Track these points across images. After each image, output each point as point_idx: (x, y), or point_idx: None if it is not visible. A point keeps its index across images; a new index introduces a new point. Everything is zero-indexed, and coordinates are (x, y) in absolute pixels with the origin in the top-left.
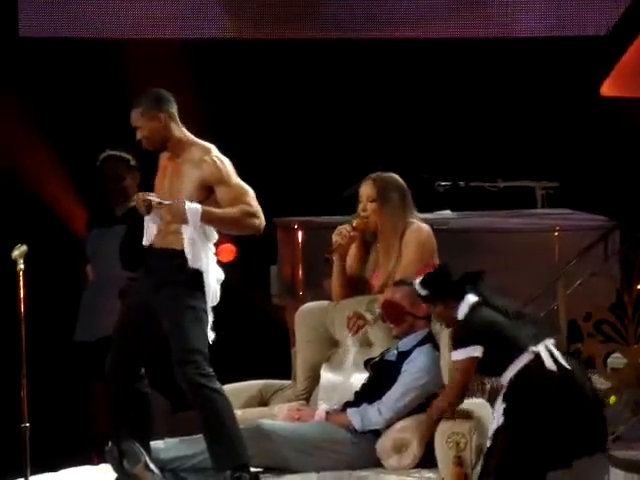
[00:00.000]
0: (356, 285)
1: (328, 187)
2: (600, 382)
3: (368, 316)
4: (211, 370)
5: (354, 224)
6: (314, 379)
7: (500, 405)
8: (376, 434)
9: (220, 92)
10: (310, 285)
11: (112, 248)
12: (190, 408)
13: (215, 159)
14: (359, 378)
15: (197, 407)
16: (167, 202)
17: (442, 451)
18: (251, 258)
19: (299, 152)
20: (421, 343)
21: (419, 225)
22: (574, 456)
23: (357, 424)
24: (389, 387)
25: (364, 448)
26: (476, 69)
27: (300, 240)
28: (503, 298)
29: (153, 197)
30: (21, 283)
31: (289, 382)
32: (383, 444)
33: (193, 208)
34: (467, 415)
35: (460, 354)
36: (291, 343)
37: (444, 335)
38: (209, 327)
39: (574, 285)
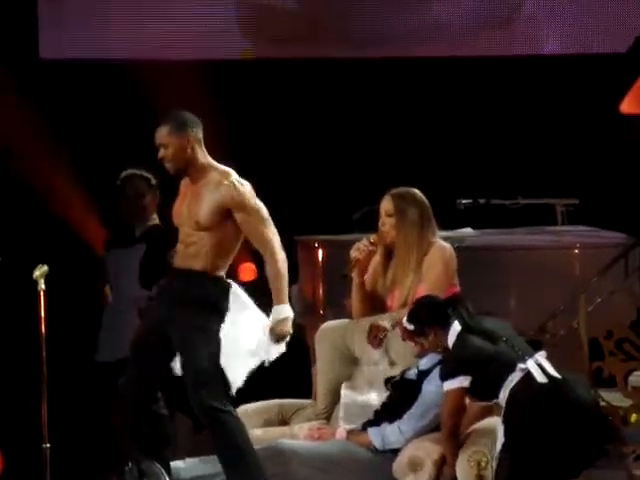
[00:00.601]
0: (376, 302)
1: (348, 206)
2: (621, 400)
3: (387, 324)
4: (223, 394)
5: (371, 239)
6: (335, 398)
7: (500, 427)
8: (396, 453)
9: (240, 112)
10: (331, 304)
11: (132, 268)
12: None
13: (234, 182)
14: (380, 397)
15: (209, 430)
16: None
17: (463, 470)
18: None
19: (319, 171)
20: (440, 363)
21: (442, 244)
22: (577, 466)
23: (377, 443)
24: (410, 406)
25: (384, 467)
26: (496, 87)
27: (321, 259)
28: (484, 317)
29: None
30: (42, 303)
31: (309, 401)
32: (399, 463)
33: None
34: (488, 434)
35: (452, 384)
36: (311, 362)
37: None
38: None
39: (595, 303)
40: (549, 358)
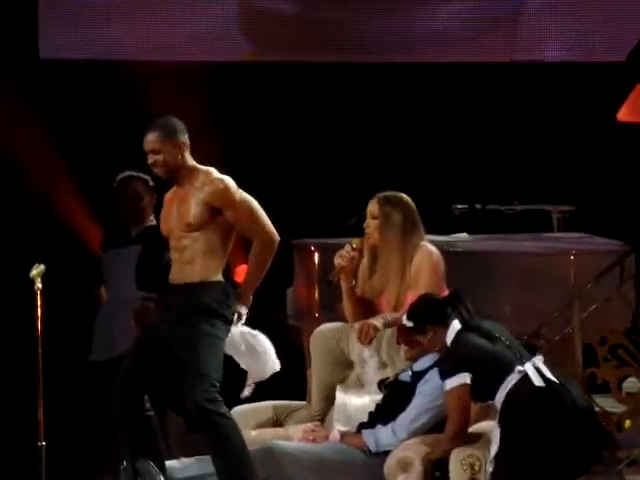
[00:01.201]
0: (368, 306)
1: (344, 209)
2: (615, 406)
3: (378, 322)
4: (218, 396)
5: (353, 244)
6: (329, 400)
7: (496, 429)
8: None
9: (236, 115)
10: (326, 307)
11: (127, 268)
12: None
13: (216, 180)
14: (374, 399)
15: (204, 432)
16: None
17: (456, 473)
18: (268, 279)
19: (315, 174)
20: (436, 364)
21: (429, 248)
22: (572, 471)
23: (371, 445)
24: (404, 408)
25: (378, 469)
26: (493, 93)
27: (316, 262)
28: (483, 319)
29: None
30: (39, 302)
31: (304, 403)
32: (389, 464)
33: None
34: (481, 438)
35: (454, 382)
36: (306, 364)
37: None
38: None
39: (589, 309)
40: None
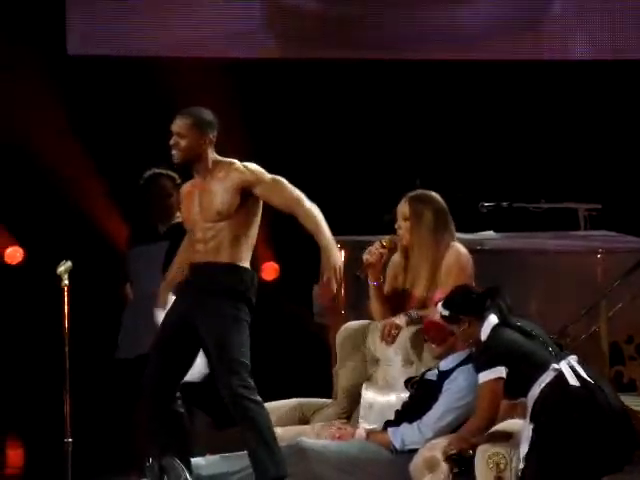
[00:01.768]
0: (396, 304)
1: (371, 207)
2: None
3: (400, 321)
4: (252, 382)
5: (383, 242)
6: (355, 398)
7: (529, 426)
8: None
9: (260, 111)
10: (352, 304)
11: (154, 265)
12: (231, 425)
13: (241, 165)
14: (400, 397)
15: (238, 418)
16: None
17: (482, 472)
18: (294, 276)
19: (342, 172)
20: (462, 363)
21: (459, 248)
22: (605, 471)
23: (397, 443)
24: (430, 406)
25: (404, 468)
26: (522, 91)
27: (343, 259)
28: (521, 316)
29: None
30: (65, 299)
31: (330, 401)
32: (415, 463)
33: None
34: (507, 436)
35: (487, 375)
36: (332, 362)
37: None
38: None
39: (616, 307)
40: None
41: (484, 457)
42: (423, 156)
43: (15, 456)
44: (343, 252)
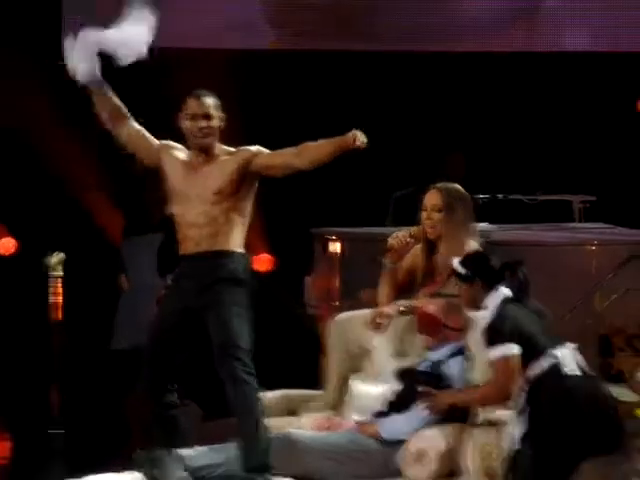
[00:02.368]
0: (403, 291)
1: (367, 200)
2: (629, 395)
3: (391, 309)
4: (253, 369)
5: (412, 231)
6: (344, 389)
7: (524, 409)
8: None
9: (261, 102)
10: (347, 295)
11: (148, 256)
12: (220, 416)
13: (238, 147)
14: (389, 388)
15: (236, 403)
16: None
17: (474, 461)
18: (288, 267)
19: (338, 164)
20: (454, 354)
21: (475, 245)
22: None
23: (385, 433)
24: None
25: (393, 458)
26: (516, 83)
27: (339, 251)
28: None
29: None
30: (58, 290)
31: (318, 392)
32: (403, 454)
33: None
34: (499, 426)
35: (499, 352)
36: (322, 352)
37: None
38: None
39: (610, 300)
40: None
41: (476, 446)
42: (419, 149)
43: (2, 447)
44: (339, 244)
